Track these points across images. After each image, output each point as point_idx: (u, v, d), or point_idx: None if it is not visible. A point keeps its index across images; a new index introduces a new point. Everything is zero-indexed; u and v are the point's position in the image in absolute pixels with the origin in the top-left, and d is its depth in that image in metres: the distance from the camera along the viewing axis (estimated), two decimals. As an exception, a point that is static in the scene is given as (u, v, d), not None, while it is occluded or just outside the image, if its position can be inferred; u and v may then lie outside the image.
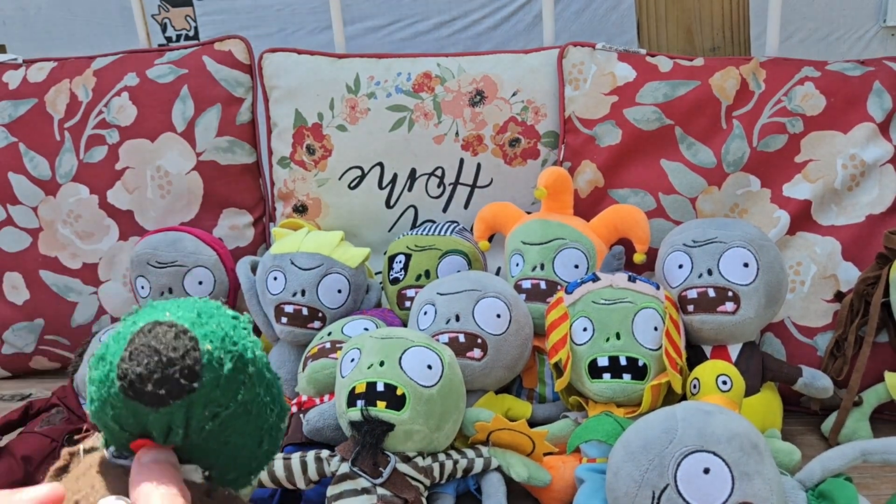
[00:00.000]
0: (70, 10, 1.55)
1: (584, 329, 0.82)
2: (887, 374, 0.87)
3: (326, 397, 0.82)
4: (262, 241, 1.15)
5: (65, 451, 0.37)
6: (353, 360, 0.75)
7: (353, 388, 0.72)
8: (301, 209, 1.13)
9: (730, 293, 0.81)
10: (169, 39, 1.55)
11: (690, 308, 0.83)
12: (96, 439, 0.37)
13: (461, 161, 1.09)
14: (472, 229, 1.02)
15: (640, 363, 0.79)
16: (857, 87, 0.97)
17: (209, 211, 1.12)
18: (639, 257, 0.94)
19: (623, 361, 0.79)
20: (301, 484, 0.71)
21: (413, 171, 1.10)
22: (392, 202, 1.11)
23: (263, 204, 1.16)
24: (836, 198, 0.96)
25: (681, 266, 0.85)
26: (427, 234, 1.01)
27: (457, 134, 1.08)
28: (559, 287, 0.90)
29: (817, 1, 1.48)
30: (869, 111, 0.96)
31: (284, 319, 0.93)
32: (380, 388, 0.71)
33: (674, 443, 0.58)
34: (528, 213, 1.01)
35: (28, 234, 1.15)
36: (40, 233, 1.14)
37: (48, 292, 1.14)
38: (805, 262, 0.95)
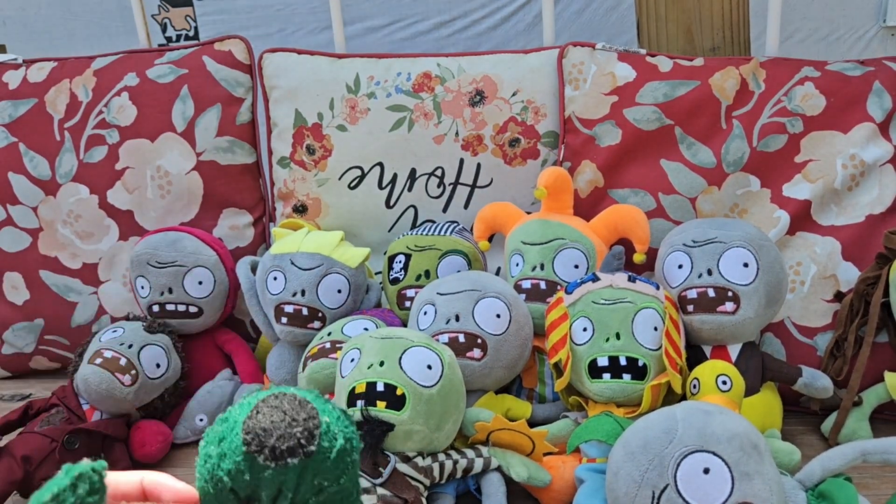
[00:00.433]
0: (70, 10, 1.55)
1: (584, 329, 0.82)
2: (887, 374, 0.87)
3: (326, 397, 0.82)
4: (262, 241, 1.15)
5: None
6: (352, 361, 0.75)
7: (353, 389, 0.72)
8: (301, 209, 1.13)
9: (730, 293, 0.81)
10: (169, 39, 1.55)
11: (690, 308, 0.83)
12: None
13: (461, 161, 1.09)
14: (471, 229, 1.02)
15: (640, 363, 0.79)
16: (856, 87, 0.97)
17: (209, 211, 1.12)
18: (639, 257, 0.93)
19: (623, 361, 0.79)
20: (301, 484, 0.71)
21: (413, 171, 1.10)
22: (392, 202, 1.11)
23: (263, 204, 1.16)
24: (836, 198, 0.96)
25: (681, 266, 0.85)
26: (427, 234, 1.01)
27: (457, 134, 1.08)
28: (559, 287, 0.90)
29: (817, 1, 1.48)
30: (869, 111, 0.96)
31: (284, 319, 0.93)
32: (380, 388, 0.71)
33: (674, 443, 0.58)
34: (528, 213, 1.01)
35: (28, 234, 1.15)
36: (40, 233, 1.14)
37: (48, 292, 1.14)
38: (805, 262, 0.95)
